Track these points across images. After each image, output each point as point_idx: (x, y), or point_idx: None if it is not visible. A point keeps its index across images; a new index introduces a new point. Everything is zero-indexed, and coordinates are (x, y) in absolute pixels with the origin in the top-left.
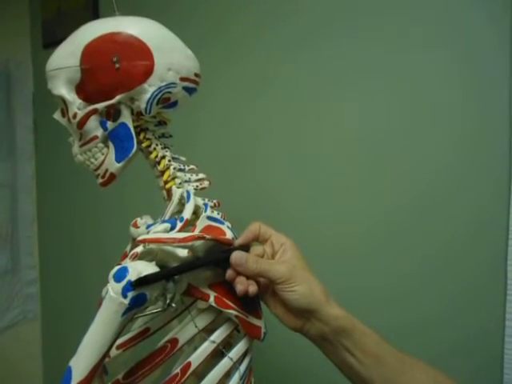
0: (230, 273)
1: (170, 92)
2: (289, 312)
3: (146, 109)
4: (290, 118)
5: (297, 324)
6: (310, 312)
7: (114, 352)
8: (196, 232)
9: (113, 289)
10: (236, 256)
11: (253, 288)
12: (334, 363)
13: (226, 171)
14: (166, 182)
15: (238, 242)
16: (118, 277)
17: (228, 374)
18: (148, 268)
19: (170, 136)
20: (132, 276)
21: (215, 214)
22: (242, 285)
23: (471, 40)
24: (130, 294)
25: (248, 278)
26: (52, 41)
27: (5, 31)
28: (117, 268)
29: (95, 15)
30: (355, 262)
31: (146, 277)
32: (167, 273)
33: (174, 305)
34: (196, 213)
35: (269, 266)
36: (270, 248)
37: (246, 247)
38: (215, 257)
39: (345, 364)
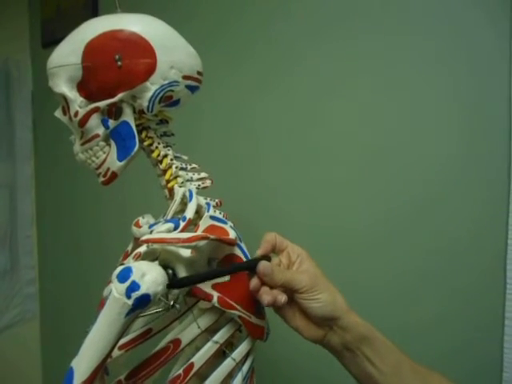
0: (255, 282)
1: (172, 90)
2: (309, 323)
3: (148, 107)
4: (292, 117)
5: (318, 334)
6: (333, 320)
7: (115, 352)
8: (199, 232)
9: (116, 289)
10: (264, 266)
11: (281, 297)
12: (353, 374)
13: (228, 170)
14: (168, 181)
15: (258, 253)
16: (122, 277)
17: (231, 375)
18: (152, 268)
19: (172, 134)
20: (136, 276)
21: (218, 214)
22: (268, 295)
23: (471, 40)
24: (134, 295)
25: (271, 288)
26: (51, 40)
27: (4, 30)
28: (120, 268)
29: (94, 14)
30: (355, 261)
31: (182, 279)
32: (201, 278)
33: (177, 306)
34: (198, 212)
35: (292, 276)
36: (286, 259)
37: (267, 258)
38: (243, 265)
39: (364, 374)
